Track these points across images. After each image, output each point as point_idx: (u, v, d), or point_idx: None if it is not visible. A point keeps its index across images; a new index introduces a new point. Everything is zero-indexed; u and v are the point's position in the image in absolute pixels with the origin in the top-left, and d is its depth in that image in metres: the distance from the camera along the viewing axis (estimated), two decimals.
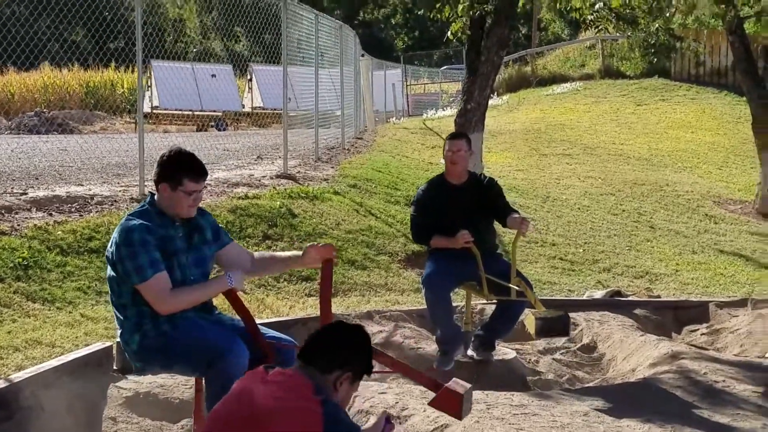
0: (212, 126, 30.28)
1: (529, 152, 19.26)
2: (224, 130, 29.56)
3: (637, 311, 8.47)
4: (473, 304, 7.98)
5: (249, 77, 33.17)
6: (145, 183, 10.14)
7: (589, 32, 29.55)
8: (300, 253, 4.86)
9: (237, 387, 3.47)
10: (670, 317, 8.60)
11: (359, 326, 3.67)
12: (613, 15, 11.73)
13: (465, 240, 6.47)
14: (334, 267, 4.85)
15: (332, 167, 14.40)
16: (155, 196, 4.57)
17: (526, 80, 32.20)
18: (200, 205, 4.69)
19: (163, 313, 4.41)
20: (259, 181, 12.08)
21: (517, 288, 6.44)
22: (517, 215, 6.73)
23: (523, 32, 63.55)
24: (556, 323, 6.31)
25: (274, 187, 11.48)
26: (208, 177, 11.34)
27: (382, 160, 16.05)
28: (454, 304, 7.38)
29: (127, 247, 4.33)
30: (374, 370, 3.90)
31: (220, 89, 30.33)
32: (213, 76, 29.52)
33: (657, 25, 12.70)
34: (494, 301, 6.88)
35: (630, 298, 9.10)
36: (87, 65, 35.21)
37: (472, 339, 6.93)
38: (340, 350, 3.50)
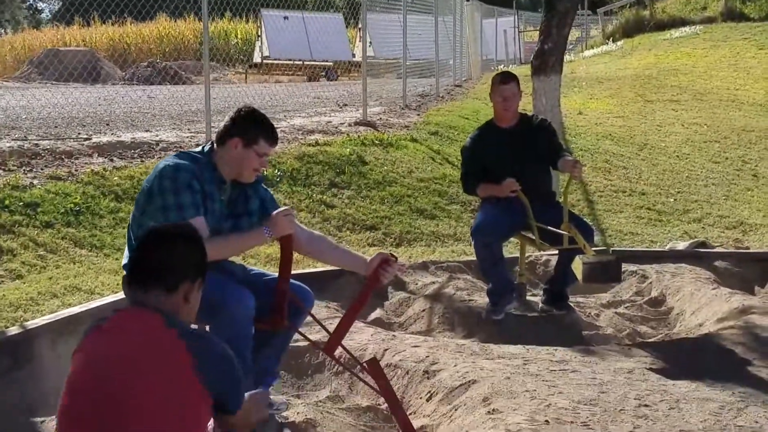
0: (323, 76, 30.24)
1: (634, 98, 18.51)
2: (335, 79, 29.50)
3: (718, 263, 7.95)
4: (536, 255, 7.66)
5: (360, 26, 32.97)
6: (212, 129, 10.03)
7: None
8: (367, 258, 4.45)
9: (79, 358, 2.87)
10: (756, 271, 8.02)
11: (181, 227, 3.15)
12: None
13: (511, 188, 6.15)
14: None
15: (418, 114, 14.08)
16: (214, 148, 4.33)
17: (644, 24, 31.00)
18: None
19: None
20: (336, 128, 11.87)
21: (568, 234, 6.08)
22: (569, 157, 6.35)
23: None
24: (605, 268, 5.91)
25: (348, 135, 11.24)
26: (285, 124, 11.29)
27: (473, 107, 15.64)
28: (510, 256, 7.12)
29: (172, 181, 4.09)
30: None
31: (330, 39, 30.16)
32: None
33: None
34: (553, 251, 6.59)
35: (714, 250, 8.56)
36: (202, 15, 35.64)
37: (543, 294, 6.71)
38: (179, 259, 2.95)
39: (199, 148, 4.41)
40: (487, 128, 6.67)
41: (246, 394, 3.12)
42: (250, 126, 4.30)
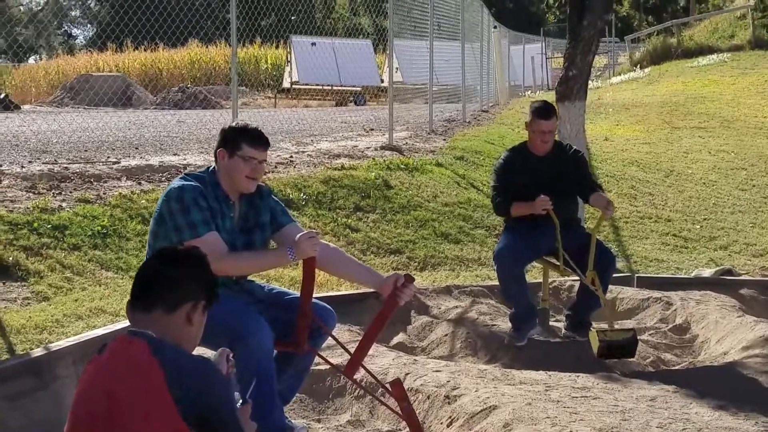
0: (351, 101, 30.36)
1: (661, 125, 18.47)
2: (363, 104, 29.57)
3: (744, 291, 7.90)
4: (560, 281, 7.64)
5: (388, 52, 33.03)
6: None
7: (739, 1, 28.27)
8: (383, 276, 4.43)
9: (77, 388, 2.85)
10: None
11: (185, 249, 3.07)
12: None
13: (544, 205, 6.11)
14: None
15: (444, 139, 14.11)
16: (215, 167, 4.40)
17: (671, 52, 30.99)
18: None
19: (216, 272, 4.20)
20: (362, 152, 11.93)
21: (591, 287, 6.11)
22: (602, 194, 6.32)
23: (681, 4, 61.53)
24: (622, 348, 5.97)
25: (373, 159, 11.28)
26: (311, 148, 11.31)
27: (499, 132, 15.67)
28: (534, 281, 7.11)
29: (178, 202, 4.15)
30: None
31: (359, 64, 30.30)
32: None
33: None
34: (575, 277, 6.57)
35: (740, 278, 8.50)
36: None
37: (565, 320, 6.65)
38: (181, 279, 2.89)
39: (204, 168, 4.48)
40: (519, 152, 6.57)
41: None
42: (232, 134, 4.37)
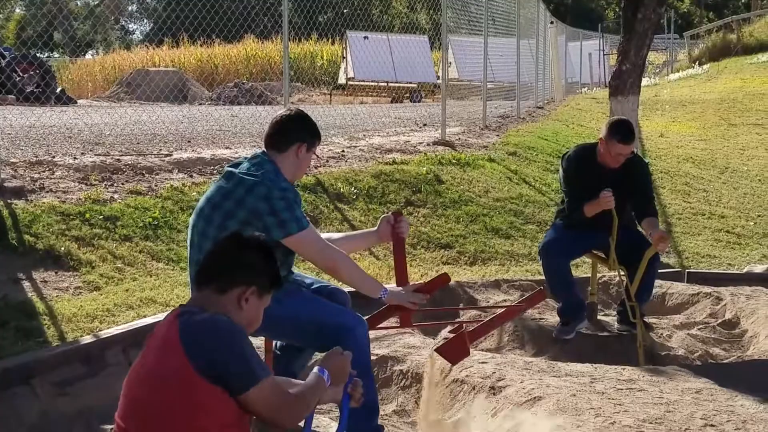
0: (407, 97, 30.36)
1: (718, 122, 18.29)
2: (419, 101, 29.54)
3: None
4: (610, 276, 7.63)
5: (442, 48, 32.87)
6: None
7: None
8: (374, 229, 4.73)
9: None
10: None
11: (256, 236, 3.24)
12: None
13: (609, 204, 6.05)
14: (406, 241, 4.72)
15: (497, 135, 14.11)
16: (275, 161, 4.30)
17: (730, 48, 30.64)
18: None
19: (319, 263, 4.36)
20: (414, 147, 11.96)
21: (630, 304, 6.17)
22: (657, 225, 6.27)
23: (742, 1, 60.74)
24: None
25: (425, 154, 11.32)
26: (363, 143, 11.36)
27: (553, 129, 15.62)
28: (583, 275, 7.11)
29: (282, 201, 4.14)
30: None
31: (415, 61, 30.23)
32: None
33: None
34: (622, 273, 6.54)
35: None
36: (291, 37, 35.81)
37: (617, 315, 6.62)
38: (236, 263, 3.04)
39: (268, 162, 4.30)
40: (586, 158, 6.43)
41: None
42: (313, 130, 4.43)
